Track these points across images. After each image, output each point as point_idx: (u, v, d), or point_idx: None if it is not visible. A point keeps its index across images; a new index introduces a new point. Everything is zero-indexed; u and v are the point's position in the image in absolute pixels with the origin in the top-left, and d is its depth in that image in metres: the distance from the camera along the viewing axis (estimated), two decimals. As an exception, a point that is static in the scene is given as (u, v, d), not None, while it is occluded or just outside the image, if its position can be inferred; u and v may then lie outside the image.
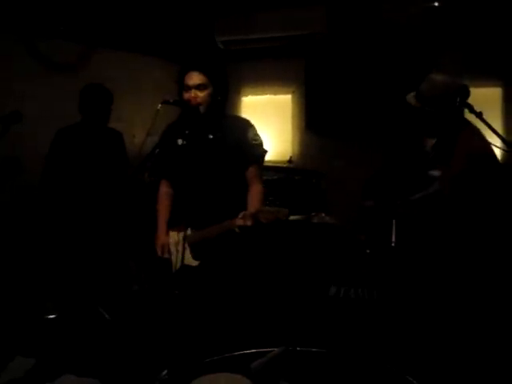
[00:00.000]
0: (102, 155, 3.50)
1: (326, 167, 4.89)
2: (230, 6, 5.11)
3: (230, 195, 2.58)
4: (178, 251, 2.58)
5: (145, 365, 2.50)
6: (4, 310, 2.97)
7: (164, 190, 2.80)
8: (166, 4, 4.81)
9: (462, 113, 2.55)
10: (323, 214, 3.92)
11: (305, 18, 4.93)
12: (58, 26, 4.06)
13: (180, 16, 5.00)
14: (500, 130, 3.83)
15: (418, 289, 2.83)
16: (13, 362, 2.17)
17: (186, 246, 2.57)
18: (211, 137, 2.58)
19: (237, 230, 2.38)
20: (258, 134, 2.63)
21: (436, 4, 4.58)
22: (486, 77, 4.59)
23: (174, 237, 2.66)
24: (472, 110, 2.41)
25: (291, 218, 3.72)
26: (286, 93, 5.55)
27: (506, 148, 2.45)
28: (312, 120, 5.38)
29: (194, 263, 2.59)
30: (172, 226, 2.71)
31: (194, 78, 2.50)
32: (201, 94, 2.50)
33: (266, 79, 5.59)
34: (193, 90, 2.50)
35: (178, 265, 2.57)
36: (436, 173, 2.77)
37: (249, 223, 2.31)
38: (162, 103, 2.46)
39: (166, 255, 2.66)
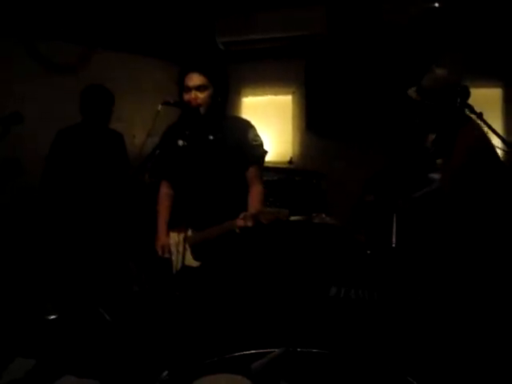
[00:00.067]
0: (102, 156, 3.50)
1: (327, 168, 4.88)
2: (231, 7, 5.11)
3: (230, 196, 2.58)
4: (178, 252, 2.59)
5: (145, 366, 2.50)
6: (4, 310, 2.97)
7: (164, 190, 2.80)
8: (166, 5, 4.81)
9: (463, 108, 2.54)
10: (324, 215, 3.92)
11: (305, 18, 4.93)
12: (58, 27, 4.06)
13: (180, 17, 5.00)
14: (500, 131, 3.81)
15: (418, 289, 2.83)
16: (13, 363, 2.16)
17: (187, 246, 2.58)
18: (211, 138, 2.58)
19: (237, 230, 2.38)
20: (258, 135, 2.63)
21: (436, 5, 4.57)
22: (487, 77, 4.58)
23: (175, 238, 2.66)
24: (472, 111, 2.41)
25: (292, 218, 3.73)
26: (287, 93, 5.53)
27: (506, 148, 2.45)
28: (312, 121, 5.37)
29: (195, 264, 2.59)
30: (172, 226, 2.71)
31: (195, 79, 2.50)
32: (201, 95, 2.50)
33: (267, 80, 5.57)
34: (193, 91, 2.50)
35: (179, 266, 2.58)
36: (436, 175, 2.77)
37: (249, 224, 2.31)
38: (162, 104, 2.46)
39: (167, 256, 2.66)
